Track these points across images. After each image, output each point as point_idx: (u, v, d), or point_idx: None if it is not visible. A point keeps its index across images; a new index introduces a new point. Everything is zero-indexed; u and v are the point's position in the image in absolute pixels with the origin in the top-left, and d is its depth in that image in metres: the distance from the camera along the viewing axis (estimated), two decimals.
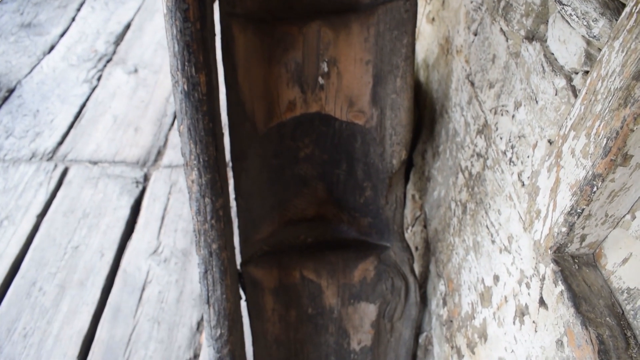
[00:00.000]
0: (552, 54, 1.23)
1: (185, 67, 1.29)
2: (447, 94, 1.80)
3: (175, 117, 3.06)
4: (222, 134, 1.39)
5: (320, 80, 1.62)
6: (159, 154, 3.12)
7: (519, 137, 1.33)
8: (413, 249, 2.07)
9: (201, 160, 1.33)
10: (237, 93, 1.57)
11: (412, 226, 2.14)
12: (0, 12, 4.52)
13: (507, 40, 1.46)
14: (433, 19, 2.01)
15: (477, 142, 1.56)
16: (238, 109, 1.58)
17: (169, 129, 3.29)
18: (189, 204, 1.48)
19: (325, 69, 1.61)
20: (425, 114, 2.01)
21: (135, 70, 3.78)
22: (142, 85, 3.65)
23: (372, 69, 1.62)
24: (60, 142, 3.20)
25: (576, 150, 1.02)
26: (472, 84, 1.62)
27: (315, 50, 1.59)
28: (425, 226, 1.99)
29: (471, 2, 1.66)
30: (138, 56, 3.93)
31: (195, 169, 1.34)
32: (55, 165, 3.02)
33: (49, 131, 3.28)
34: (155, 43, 4.06)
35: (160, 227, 2.66)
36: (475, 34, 1.64)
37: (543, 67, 1.24)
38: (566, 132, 1.07)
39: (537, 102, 1.25)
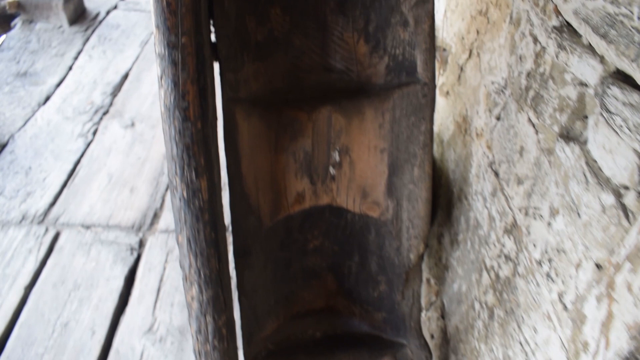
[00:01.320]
0: (595, 161, 1.10)
1: (185, 172, 1.15)
2: (466, 179, 1.67)
3: None
4: (226, 243, 1.25)
5: (332, 170, 1.49)
6: (155, 216, 2.98)
7: (558, 250, 1.19)
8: (428, 336, 1.92)
9: (202, 274, 1.19)
10: (241, 184, 1.43)
11: (427, 311, 1.98)
12: None
13: (537, 134, 1.33)
14: (447, 93, 1.90)
15: (505, 242, 1.42)
16: (242, 202, 1.44)
17: (166, 189, 3.16)
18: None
19: (337, 158, 1.48)
20: (441, 194, 1.88)
21: (132, 124, 3.67)
22: (139, 140, 3.52)
23: (387, 158, 1.50)
24: (53, 203, 3.05)
25: (634, 286, 0.88)
26: (496, 174, 1.49)
27: (326, 138, 1.47)
28: (442, 316, 1.84)
29: (492, 84, 1.55)
30: (135, 109, 3.82)
31: (196, 284, 1.19)
32: (47, 229, 2.87)
33: (40, 191, 3.13)
34: (153, 95, 3.95)
35: (156, 301, 2.50)
36: (498, 119, 1.52)
37: (585, 177, 1.10)
38: (620, 262, 0.93)
39: (579, 215, 1.11)
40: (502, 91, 1.50)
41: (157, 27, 1.14)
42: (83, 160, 3.37)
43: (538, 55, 1.31)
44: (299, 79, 1.55)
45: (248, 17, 1.44)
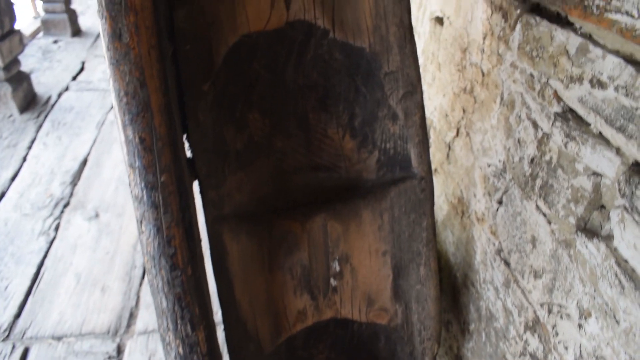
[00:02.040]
0: (627, 261, 1.01)
1: (179, 327, 1.01)
2: (471, 265, 1.57)
3: (144, 270, 2.75)
4: None
5: (333, 281, 1.37)
6: (132, 317, 2.77)
7: (596, 357, 1.08)
8: None
9: None
10: (236, 312, 1.29)
11: None
12: None
13: (549, 224, 1.24)
14: (436, 170, 1.82)
15: (528, 339, 1.32)
16: (239, 331, 1.30)
17: (140, 284, 2.96)
18: None
19: (337, 268, 1.36)
20: (442, 277, 1.78)
21: (97, 215, 3.47)
22: (105, 232, 3.33)
23: (390, 260, 1.38)
24: (18, 315, 2.81)
25: None
26: (507, 263, 1.40)
27: (323, 248, 1.35)
28: None
29: (489, 166, 1.47)
30: (98, 197, 3.63)
31: None
32: (13, 346, 2.63)
33: (3, 301, 2.89)
34: (116, 179, 3.78)
35: None
36: (500, 203, 1.43)
37: (619, 280, 1.01)
38: None
39: (617, 321, 1.02)
40: (502, 175, 1.42)
41: (132, 166, 1.02)
42: (47, 262, 3.15)
43: (541, 142, 1.24)
44: (285, 181, 1.44)
45: (226, 127, 1.33)
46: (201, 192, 1.29)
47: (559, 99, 1.18)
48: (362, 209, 1.36)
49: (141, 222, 1.01)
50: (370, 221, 1.36)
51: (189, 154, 1.29)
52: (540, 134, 1.24)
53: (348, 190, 1.41)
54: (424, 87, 1.97)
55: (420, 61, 2.08)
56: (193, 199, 1.16)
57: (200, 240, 1.15)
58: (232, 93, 1.31)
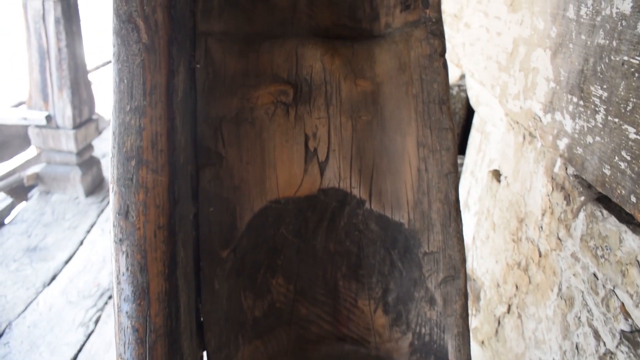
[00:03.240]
0: None
1: None
2: None
3: None
4: None
5: None
6: None
7: None
8: None
9: None
10: None
11: None
12: (7, 234, 4.33)
13: None
14: (483, 342, 1.62)
15: None
16: None
17: None
18: None
19: None
20: None
21: None
22: None
23: None
24: None
25: None
26: None
27: None
28: None
29: None
30: None
31: None
32: None
33: None
34: None
35: None
36: None
37: None
38: None
39: None
40: None
41: (121, 357, 0.91)
42: (80, 357, 3.09)
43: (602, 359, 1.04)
44: (306, 350, 1.30)
45: (244, 294, 1.22)
46: None
47: (627, 314, 0.99)
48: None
49: None
50: None
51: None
52: (602, 350, 1.05)
53: None
54: (477, 242, 1.80)
55: (475, 209, 1.93)
56: None
57: None
58: (254, 259, 1.21)
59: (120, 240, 0.92)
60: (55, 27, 4.24)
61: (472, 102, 2.09)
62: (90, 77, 5.10)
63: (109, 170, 1.14)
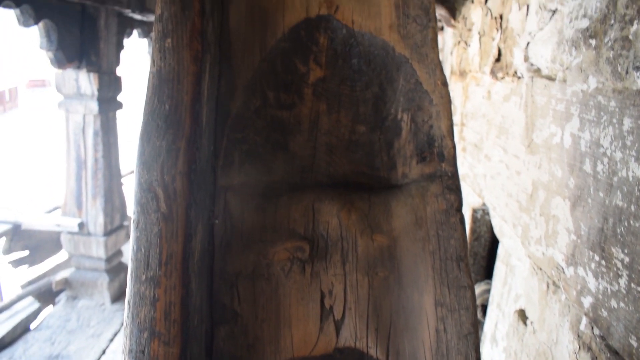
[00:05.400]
0: None
1: None
2: None
3: None
4: None
5: None
6: None
7: None
8: None
9: None
10: None
11: None
12: (32, 340, 4.31)
13: None
14: None
15: None
16: None
17: None
18: None
19: None
20: None
21: None
22: None
23: None
24: None
25: None
26: None
27: None
28: None
29: None
30: None
31: None
32: None
33: None
34: None
35: None
36: None
37: None
38: None
39: None
40: None
41: None
42: None
43: None
44: None
45: None
46: None
47: None
48: None
49: None
50: None
51: None
52: None
53: None
54: None
55: (502, 345, 1.86)
56: None
57: None
58: None
59: None
60: (94, 139, 4.44)
61: (496, 231, 2.07)
62: (123, 180, 5.27)
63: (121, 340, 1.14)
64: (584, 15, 1.31)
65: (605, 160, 1.18)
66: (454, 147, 1.30)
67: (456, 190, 1.25)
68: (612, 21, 1.18)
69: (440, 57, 4.25)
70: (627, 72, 1.11)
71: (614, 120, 1.15)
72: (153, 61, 1.14)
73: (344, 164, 1.43)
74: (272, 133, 1.41)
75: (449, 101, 1.33)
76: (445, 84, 1.32)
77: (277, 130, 1.42)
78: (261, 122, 1.40)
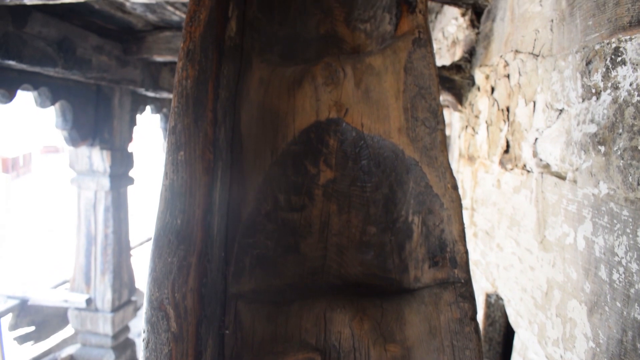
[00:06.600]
0: None
1: None
2: None
3: None
4: None
5: None
6: None
7: None
8: None
9: None
10: None
11: None
12: None
13: None
14: None
15: None
16: None
17: None
18: None
19: None
20: None
21: None
22: None
23: None
24: None
25: None
26: None
27: None
28: None
29: None
30: None
31: None
32: None
33: None
34: None
35: None
36: None
37: None
38: None
39: None
40: None
41: None
42: None
43: None
44: None
45: None
46: None
47: None
48: None
49: None
50: None
51: None
52: None
53: None
54: None
55: None
56: None
57: None
58: None
59: None
60: (104, 215, 4.47)
61: (511, 321, 2.02)
62: (132, 252, 5.25)
63: None
64: (592, 120, 1.33)
65: (621, 270, 1.16)
66: (466, 252, 1.29)
67: (470, 298, 1.23)
68: (620, 130, 1.19)
69: (447, 133, 4.29)
70: (638, 184, 1.11)
71: (628, 230, 1.14)
72: (166, 174, 1.16)
73: (355, 265, 1.42)
74: (283, 236, 1.41)
75: (459, 205, 1.34)
76: (455, 187, 1.33)
77: (288, 233, 1.42)
78: (272, 226, 1.40)
